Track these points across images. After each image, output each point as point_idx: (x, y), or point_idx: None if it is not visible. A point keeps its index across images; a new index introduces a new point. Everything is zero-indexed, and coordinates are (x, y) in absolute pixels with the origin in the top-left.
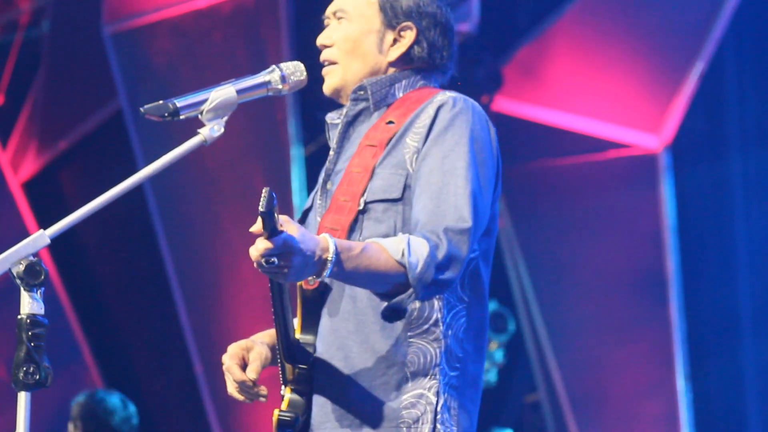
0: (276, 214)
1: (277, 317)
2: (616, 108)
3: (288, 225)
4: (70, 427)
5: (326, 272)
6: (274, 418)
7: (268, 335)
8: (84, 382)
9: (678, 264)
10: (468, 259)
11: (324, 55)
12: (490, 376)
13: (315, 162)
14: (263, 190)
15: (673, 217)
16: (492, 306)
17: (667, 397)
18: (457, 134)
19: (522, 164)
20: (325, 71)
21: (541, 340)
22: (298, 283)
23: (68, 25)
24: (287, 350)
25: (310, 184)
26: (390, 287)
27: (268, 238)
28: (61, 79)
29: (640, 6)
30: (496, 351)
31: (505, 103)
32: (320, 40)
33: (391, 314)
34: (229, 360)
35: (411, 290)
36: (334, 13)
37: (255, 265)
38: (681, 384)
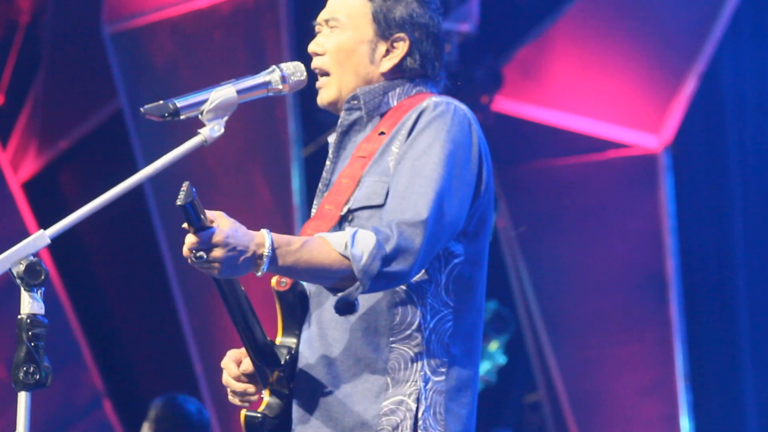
0: (198, 209)
1: (235, 318)
2: (616, 108)
3: (221, 220)
4: (145, 427)
5: (263, 267)
6: (242, 418)
7: None
8: (84, 382)
9: (678, 264)
10: (423, 252)
11: (315, 63)
12: (490, 376)
13: (315, 162)
14: (183, 185)
15: (673, 217)
16: (492, 306)
17: (667, 397)
18: (432, 136)
19: (522, 164)
20: (319, 84)
21: (541, 340)
22: (272, 285)
23: (68, 25)
24: (257, 351)
25: (310, 184)
26: (336, 281)
27: (195, 233)
28: (61, 79)
29: (640, 6)
30: (496, 351)
31: (505, 103)
32: (312, 48)
33: (343, 308)
34: (226, 358)
35: (358, 283)
36: (327, 21)
37: (189, 261)
38: (681, 384)
